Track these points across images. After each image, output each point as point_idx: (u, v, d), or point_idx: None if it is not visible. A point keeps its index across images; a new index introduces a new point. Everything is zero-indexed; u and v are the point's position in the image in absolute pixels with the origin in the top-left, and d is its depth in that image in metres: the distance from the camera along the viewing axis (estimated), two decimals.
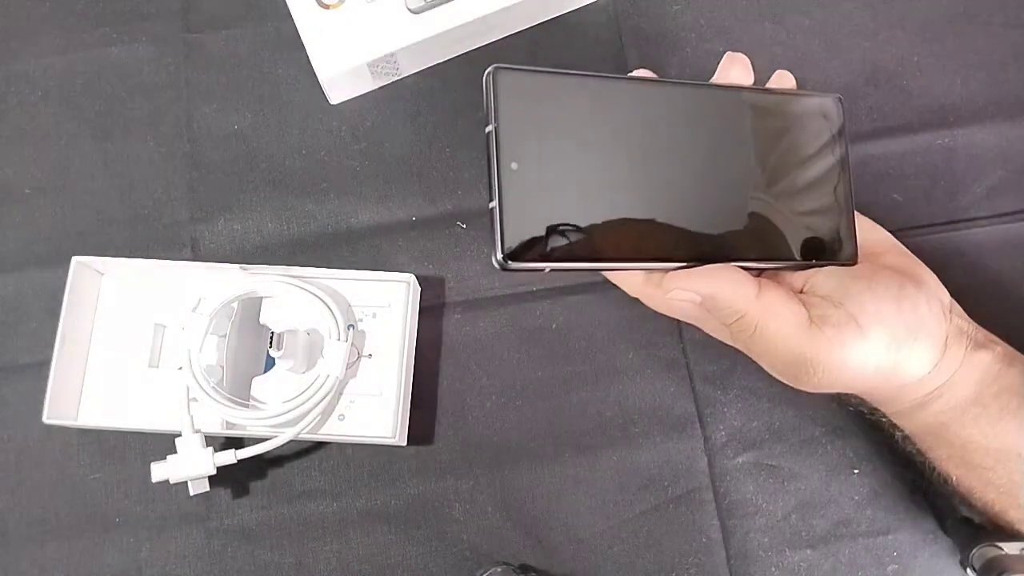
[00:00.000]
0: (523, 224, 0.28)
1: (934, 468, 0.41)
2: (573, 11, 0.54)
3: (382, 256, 0.51)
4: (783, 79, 0.36)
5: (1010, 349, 0.39)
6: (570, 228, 0.29)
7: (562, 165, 0.29)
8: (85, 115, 0.54)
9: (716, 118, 0.33)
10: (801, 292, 0.37)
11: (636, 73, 0.33)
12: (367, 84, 0.52)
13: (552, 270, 0.29)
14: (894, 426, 0.41)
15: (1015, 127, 0.51)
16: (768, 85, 0.36)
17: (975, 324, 0.39)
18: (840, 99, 0.36)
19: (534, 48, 0.53)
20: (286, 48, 0.53)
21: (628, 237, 0.30)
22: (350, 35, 0.49)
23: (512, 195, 0.28)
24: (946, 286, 0.38)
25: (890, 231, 0.49)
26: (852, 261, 0.35)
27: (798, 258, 0.34)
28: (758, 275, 0.35)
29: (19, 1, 0.56)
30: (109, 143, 0.53)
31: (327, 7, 0.50)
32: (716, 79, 0.34)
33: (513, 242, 0.28)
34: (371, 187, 0.52)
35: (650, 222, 0.31)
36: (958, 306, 0.39)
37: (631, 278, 0.36)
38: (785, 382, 0.36)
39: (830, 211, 0.35)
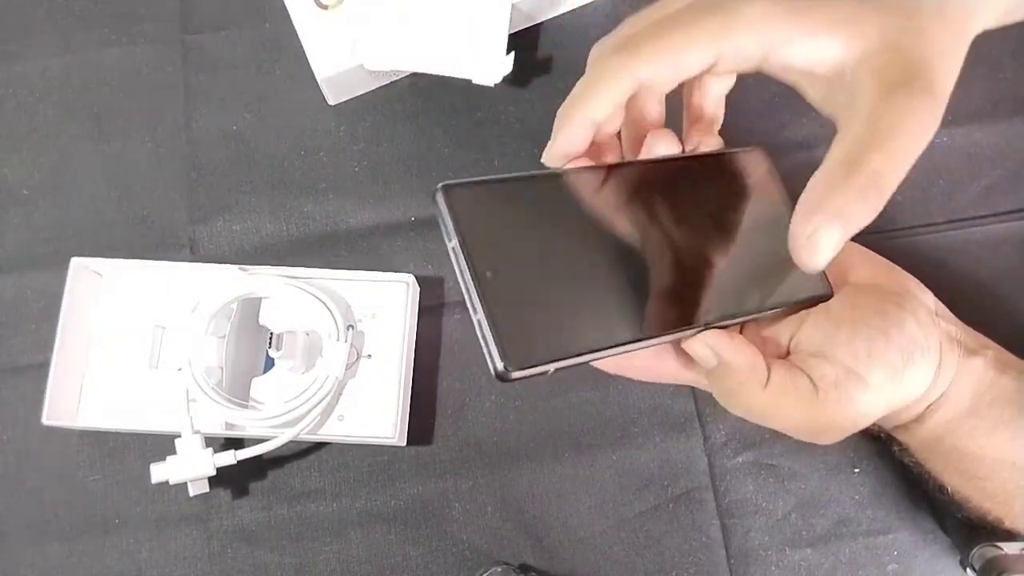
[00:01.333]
0: (515, 330, 0.28)
1: (931, 478, 0.41)
2: (573, 11, 0.54)
3: (381, 256, 0.51)
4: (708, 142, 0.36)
5: (1002, 353, 0.39)
6: (562, 324, 0.29)
7: (534, 265, 0.29)
8: (84, 116, 0.54)
9: (660, 190, 0.33)
10: (788, 355, 0.36)
11: (572, 165, 0.32)
12: (366, 84, 0.52)
13: (557, 370, 0.28)
14: (892, 439, 0.42)
15: (1013, 126, 0.51)
16: (700, 150, 0.36)
17: (963, 325, 0.39)
18: (763, 150, 0.37)
19: (533, 49, 0.53)
20: (284, 49, 0.53)
21: (618, 319, 0.30)
22: (348, 35, 0.49)
23: (496, 304, 0.27)
24: (944, 285, 0.38)
25: (888, 231, 0.49)
26: (828, 295, 0.35)
27: (776, 307, 0.34)
28: (740, 330, 0.36)
29: (18, 2, 0.56)
30: (108, 144, 0.53)
31: (325, 7, 0.50)
32: (643, 155, 0.34)
33: (511, 351, 0.27)
34: (370, 187, 0.52)
35: (632, 299, 0.30)
36: (942, 306, 0.39)
37: (634, 361, 0.36)
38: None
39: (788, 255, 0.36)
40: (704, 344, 0.32)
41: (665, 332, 0.31)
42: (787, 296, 0.34)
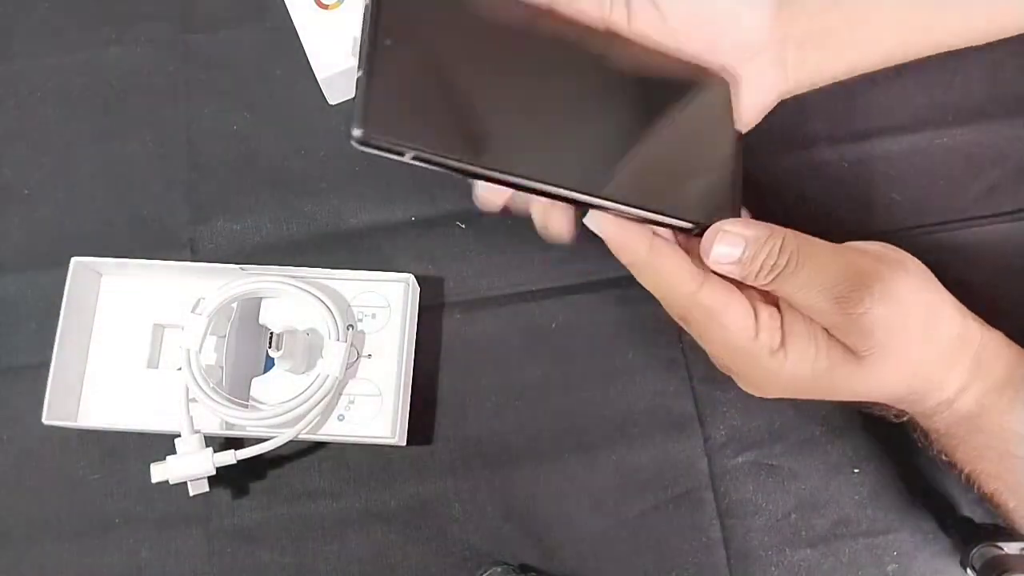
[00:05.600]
0: (390, 101, 0.27)
1: (957, 469, 0.39)
2: None
3: (381, 256, 0.51)
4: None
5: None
6: (439, 118, 0.28)
7: (441, 56, 0.28)
8: (84, 116, 0.54)
9: (609, 63, 0.33)
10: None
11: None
12: None
13: (415, 159, 0.28)
14: (918, 427, 0.40)
15: (1013, 126, 0.51)
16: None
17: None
18: (725, 79, 0.36)
19: None
20: (285, 48, 0.53)
21: (500, 144, 0.29)
22: (348, 35, 0.49)
23: (382, 69, 0.27)
24: (944, 286, 0.38)
25: (889, 230, 0.49)
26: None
27: (675, 216, 0.33)
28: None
29: (18, 2, 0.56)
30: (108, 144, 0.53)
31: (325, 7, 0.50)
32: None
33: (373, 118, 0.26)
34: (370, 187, 0.52)
35: (525, 135, 0.30)
36: None
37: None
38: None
39: (715, 174, 0.35)
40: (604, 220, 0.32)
41: (542, 179, 0.30)
42: (681, 211, 0.34)
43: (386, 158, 0.27)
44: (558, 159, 0.31)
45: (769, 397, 0.37)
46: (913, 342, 0.35)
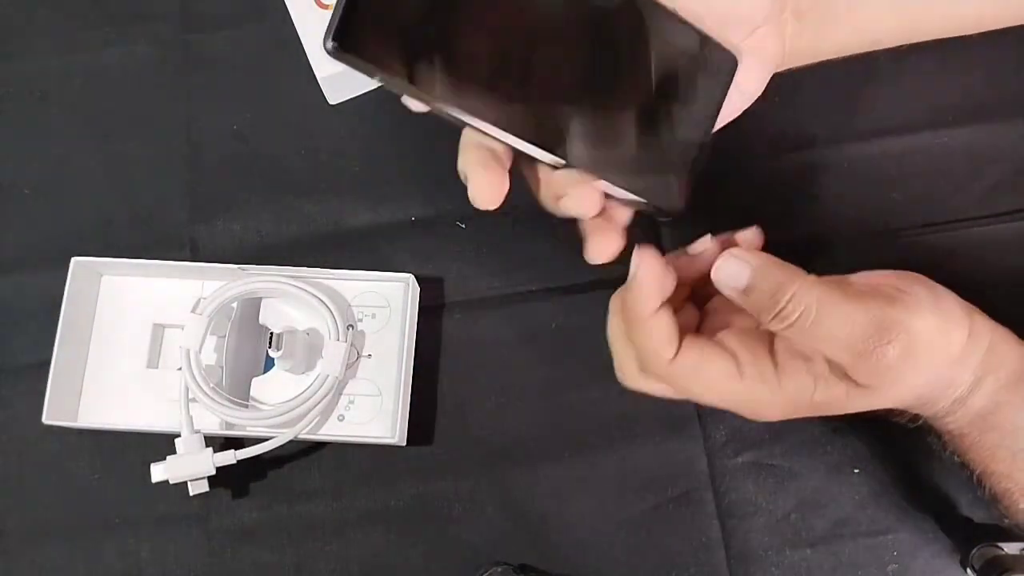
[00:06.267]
0: (370, 13, 0.26)
1: (969, 470, 0.39)
2: None
3: (381, 256, 0.51)
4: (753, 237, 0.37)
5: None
6: (417, 43, 0.27)
7: None
8: (84, 116, 0.54)
9: (614, 21, 0.32)
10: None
11: None
12: (366, 84, 0.52)
13: (383, 83, 0.27)
14: (930, 430, 0.39)
15: (1014, 126, 0.51)
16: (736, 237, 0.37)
17: None
18: (734, 56, 0.35)
19: None
20: (285, 48, 0.53)
21: (476, 84, 0.29)
22: None
23: None
24: (944, 286, 0.38)
25: (889, 231, 0.49)
26: (674, 213, 0.34)
27: (628, 188, 0.33)
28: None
29: (19, 2, 0.56)
30: (108, 144, 0.53)
31: (325, 7, 0.50)
32: None
33: (349, 31, 0.25)
34: (370, 187, 0.52)
35: (504, 81, 0.29)
36: None
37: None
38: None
39: (680, 155, 0.34)
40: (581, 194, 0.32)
41: (511, 129, 0.30)
42: (649, 187, 0.33)
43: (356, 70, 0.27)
44: (529, 109, 0.30)
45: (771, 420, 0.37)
46: (925, 367, 0.34)
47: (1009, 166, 0.51)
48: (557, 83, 0.31)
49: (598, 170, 0.32)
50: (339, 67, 0.26)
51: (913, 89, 0.52)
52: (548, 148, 0.31)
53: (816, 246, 0.49)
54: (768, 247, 0.49)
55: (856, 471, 0.47)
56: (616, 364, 0.37)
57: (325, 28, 0.26)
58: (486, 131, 0.30)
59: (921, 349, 0.33)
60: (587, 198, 0.32)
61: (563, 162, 0.31)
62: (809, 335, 0.33)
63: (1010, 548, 0.40)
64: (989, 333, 0.36)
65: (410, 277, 0.47)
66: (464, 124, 0.30)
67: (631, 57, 0.33)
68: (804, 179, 0.51)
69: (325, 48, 0.26)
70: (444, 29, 0.28)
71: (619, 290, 0.36)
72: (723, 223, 0.38)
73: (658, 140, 0.34)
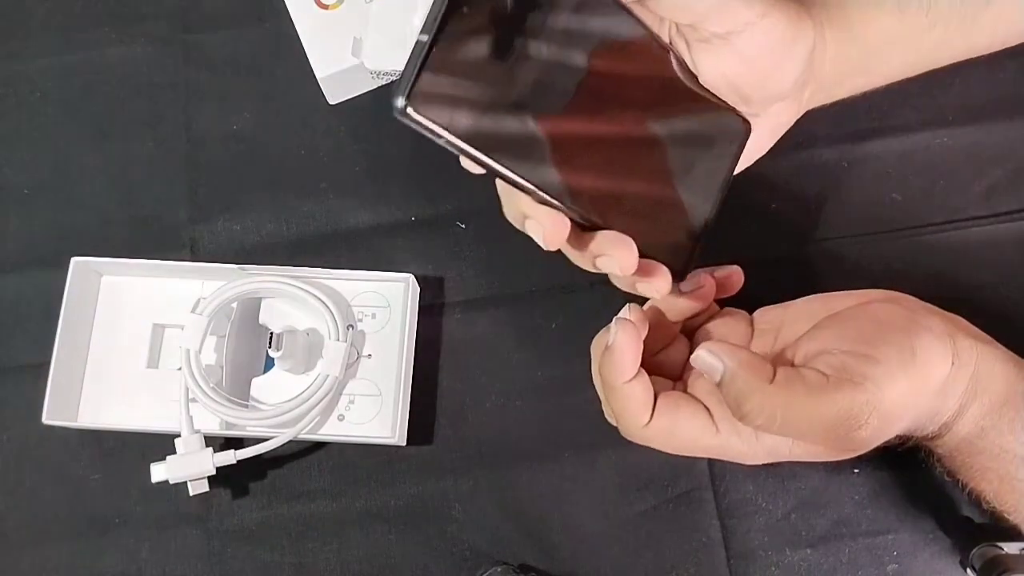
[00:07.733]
0: (438, 80, 0.26)
1: (966, 489, 0.39)
2: None
3: (381, 256, 0.51)
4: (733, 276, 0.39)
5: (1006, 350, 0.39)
6: (489, 106, 0.28)
7: (491, 59, 0.28)
8: (84, 116, 0.54)
9: (645, 84, 0.33)
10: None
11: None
12: (366, 84, 0.52)
13: (447, 145, 0.27)
14: (923, 448, 0.40)
15: (1014, 126, 0.51)
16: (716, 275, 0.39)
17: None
18: (747, 121, 0.37)
19: None
20: (285, 48, 0.53)
21: (527, 154, 0.29)
22: (348, 35, 0.49)
23: (450, 37, 0.25)
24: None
25: (890, 231, 0.49)
26: (679, 278, 0.37)
27: (645, 253, 0.34)
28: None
29: (19, 1, 0.56)
30: (108, 144, 0.53)
31: (325, 7, 0.50)
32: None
33: (422, 92, 0.25)
34: (370, 187, 0.52)
35: (547, 150, 0.30)
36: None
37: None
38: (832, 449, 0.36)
39: (693, 220, 0.36)
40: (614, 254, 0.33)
41: (552, 193, 0.31)
42: (653, 249, 0.35)
43: (419, 132, 0.27)
44: (576, 179, 0.31)
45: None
46: (903, 421, 0.35)
47: (1009, 166, 0.51)
48: (605, 157, 0.33)
49: (631, 235, 0.33)
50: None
51: (913, 89, 0.52)
52: (594, 217, 0.32)
53: (816, 246, 0.49)
54: (768, 248, 0.50)
55: (856, 471, 0.47)
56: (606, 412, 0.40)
57: (394, 86, 0.26)
58: (536, 196, 0.31)
59: (895, 415, 0.34)
60: (627, 259, 0.33)
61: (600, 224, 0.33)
62: (779, 433, 0.34)
63: (1010, 548, 0.40)
64: (974, 358, 0.36)
65: (410, 277, 0.47)
66: (518, 187, 0.31)
67: (664, 130, 0.34)
68: (804, 179, 0.50)
69: (394, 106, 0.26)
70: (510, 99, 0.29)
71: (598, 336, 0.38)
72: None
73: (676, 206, 0.36)
